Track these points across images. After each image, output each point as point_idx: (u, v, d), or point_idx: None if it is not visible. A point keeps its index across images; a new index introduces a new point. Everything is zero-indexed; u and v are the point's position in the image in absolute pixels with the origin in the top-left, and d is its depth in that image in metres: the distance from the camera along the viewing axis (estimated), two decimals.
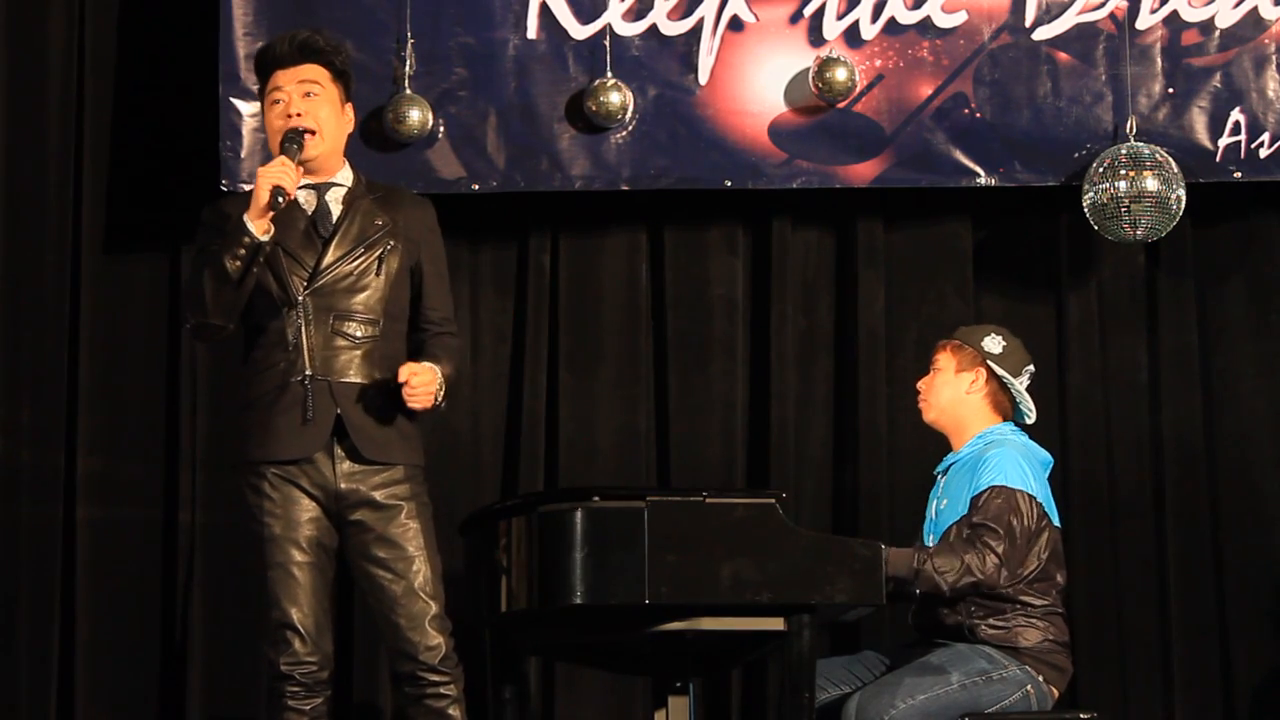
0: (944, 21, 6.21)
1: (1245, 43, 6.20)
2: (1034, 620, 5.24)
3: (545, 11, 6.20)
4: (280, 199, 4.75)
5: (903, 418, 6.18)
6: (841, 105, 6.18)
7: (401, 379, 4.79)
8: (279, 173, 4.77)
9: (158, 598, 6.31)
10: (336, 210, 4.94)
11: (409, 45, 6.16)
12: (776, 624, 4.83)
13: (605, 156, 6.20)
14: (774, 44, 6.22)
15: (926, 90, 6.21)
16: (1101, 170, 6.09)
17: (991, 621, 5.23)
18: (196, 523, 6.27)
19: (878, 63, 6.21)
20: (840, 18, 6.20)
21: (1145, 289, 6.45)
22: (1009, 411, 5.45)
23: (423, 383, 4.80)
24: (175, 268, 6.33)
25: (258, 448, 4.83)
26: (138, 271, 6.39)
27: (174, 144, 6.35)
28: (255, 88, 5.82)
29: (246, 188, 5.86)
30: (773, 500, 4.83)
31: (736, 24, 6.21)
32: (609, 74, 6.16)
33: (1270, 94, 6.19)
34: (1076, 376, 6.41)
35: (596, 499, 4.77)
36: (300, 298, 4.86)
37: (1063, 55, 6.22)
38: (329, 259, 4.88)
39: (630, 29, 6.21)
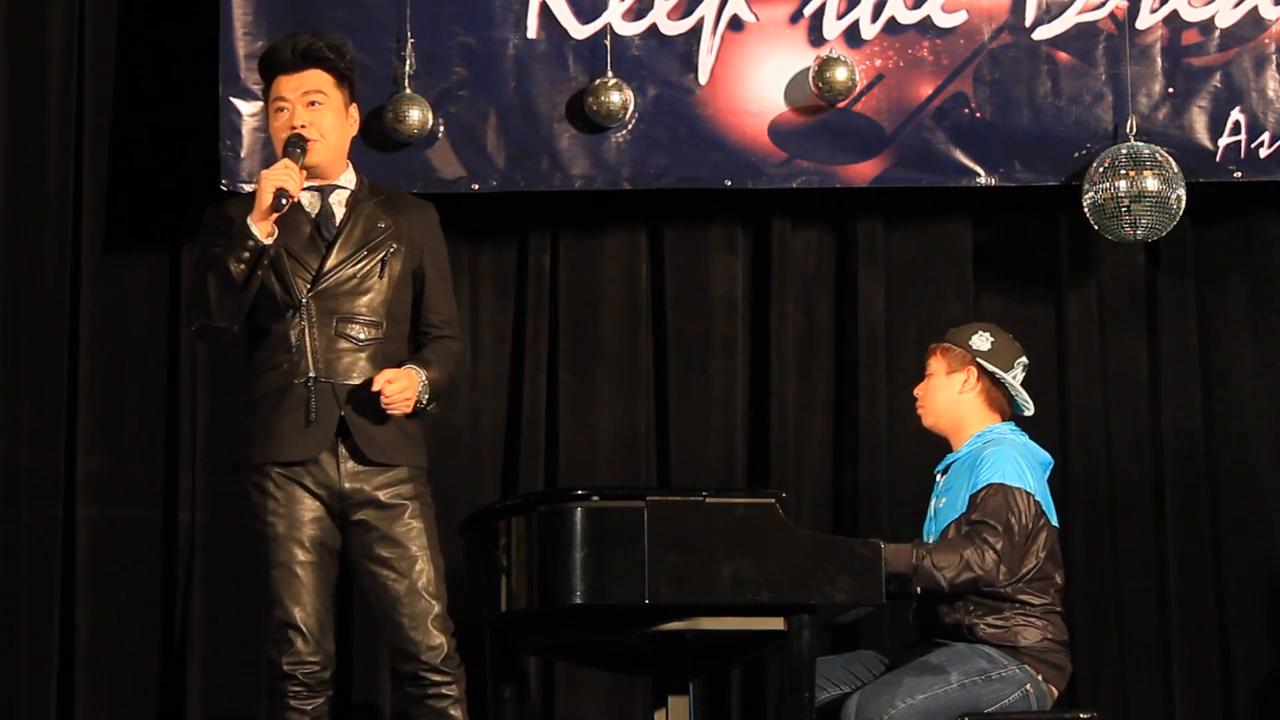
0: (944, 21, 6.21)
1: (1245, 42, 6.20)
2: (1033, 619, 5.24)
3: (545, 11, 6.20)
4: (284, 201, 4.75)
5: (903, 417, 6.17)
6: (841, 105, 6.18)
7: (376, 387, 4.79)
8: (282, 175, 4.78)
9: (158, 598, 6.30)
10: (340, 213, 4.95)
11: (409, 45, 6.16)
12: (776, 624, 4.83)
13: (605, 156, 6.20)
14: (774, 44, 6.22)
15: (926, 90, 6.20)
16: (1101, 170, 6.09)
17: (990, 620, 5.23)
18: (196, 523, 6.26)
19: (878, 62, 6.21)
20: (840, 17, 6.20)
21: (1145, 289, 6.45)
22: (1006, 408, 5.45)
23: (397, 390, 4.80)
24: (175, 268, 6.33)
25: (261, 449, 4.83)
26: (138, 271, 6.39)
27: (174, 144, 6.34)
28: (255, 88, 5.85)
29: (246, 188, 5.87)
30: (773, 500, 4.83)
31: (736, 24, 6.21)
32: (609, 74, 6.16)
33: (1270, 94, 6.19)
34: (1076, 376, 6.41)
35: (596, 498, 4.76)
36: (304, 300, 4.86)
37: (1063, 55, 6.22)
38: (332, 261, 4.89)
39: (630, 28, 6.21)
